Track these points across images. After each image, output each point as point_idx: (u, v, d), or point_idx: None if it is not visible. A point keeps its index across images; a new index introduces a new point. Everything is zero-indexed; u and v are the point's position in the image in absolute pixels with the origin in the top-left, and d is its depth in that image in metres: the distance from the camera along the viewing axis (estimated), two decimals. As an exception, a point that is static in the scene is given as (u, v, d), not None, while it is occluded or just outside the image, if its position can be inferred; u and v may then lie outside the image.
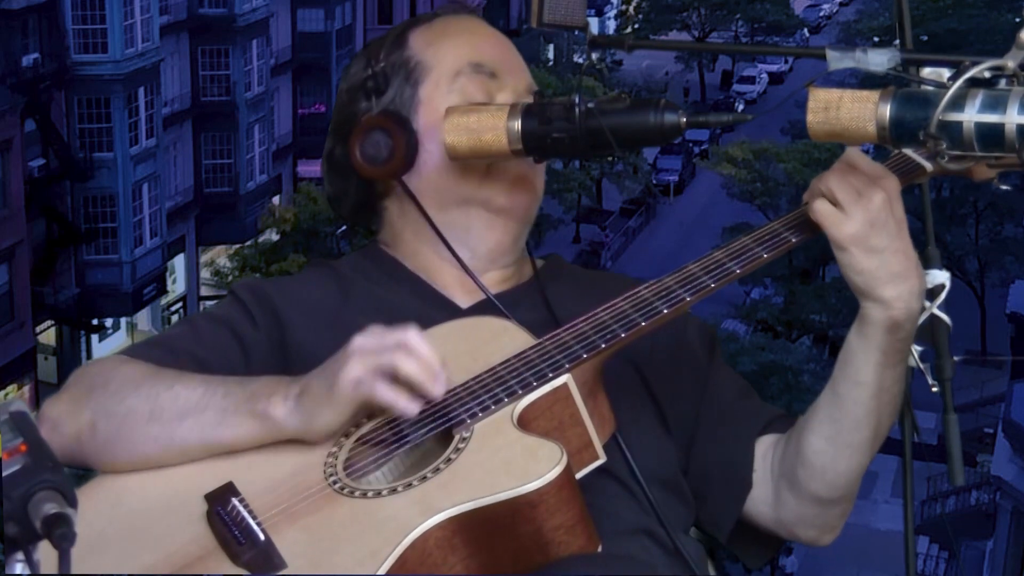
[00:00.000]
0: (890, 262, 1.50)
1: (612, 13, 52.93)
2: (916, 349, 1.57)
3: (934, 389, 1.60)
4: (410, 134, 1.70)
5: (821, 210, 1.51)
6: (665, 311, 1.54)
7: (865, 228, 1.49)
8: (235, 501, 1.44)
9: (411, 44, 1.76)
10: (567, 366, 1.50)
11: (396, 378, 1.44)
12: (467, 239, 1.71)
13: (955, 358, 1.61)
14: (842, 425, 1.60)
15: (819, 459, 1.62)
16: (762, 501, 1.68)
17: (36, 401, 24.55)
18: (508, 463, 1.42)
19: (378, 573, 1.35)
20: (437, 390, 1.45)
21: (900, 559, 1.72)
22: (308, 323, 1.66)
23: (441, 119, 1.68)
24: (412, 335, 1.45)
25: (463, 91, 1.71)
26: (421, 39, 1.76)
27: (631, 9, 51.69)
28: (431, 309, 1.65)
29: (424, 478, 1.42)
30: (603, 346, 1.52)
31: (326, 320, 1.66)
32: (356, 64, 1.79)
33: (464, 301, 1.70)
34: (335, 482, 1.45)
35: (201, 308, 27.50)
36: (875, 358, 1.55)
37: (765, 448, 1.69)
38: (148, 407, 1.51)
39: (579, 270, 1.85)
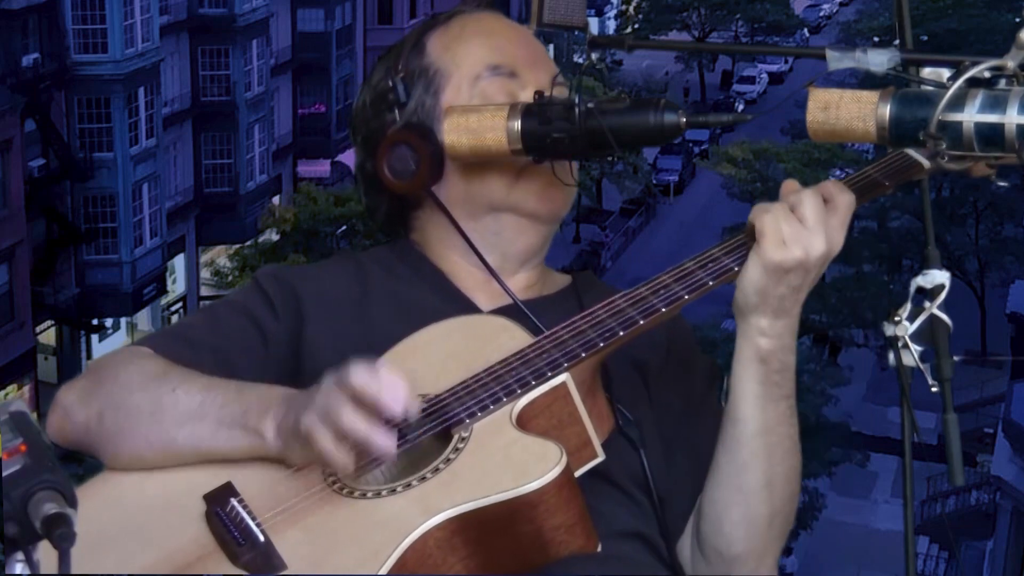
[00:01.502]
0: (786, 300, 1.52)
1: (612, 13, 52.93)
2: (916, 349, 1.57)
3: (934, 389, 1.60)
4: (434, 145, 1.68)
5: (770, 224, 1.51)
6: (663, 309, 1.53)
7: (797, 263, 1.50)
8: (234, 502, 1.44)
9: (429, 50, 1.73)
10: (565, 365, 1.49)
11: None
12: (497, 243, 1.70)
13: (955, 358, 1.61)
14: (730, 468, 1.57)
15: (713, 509, 1.59)
16: (685, 558, 1.64)
17: (36, 401, 24.54)
18: (508, 463, 1.42)
19: (379, 574, 1.34)
20: (380, 444, 1.38)
21: (900, 559, 1.72)
22: (326, 316, 1.66)
23: None
24: (359, 378, 1.37)
25: (484, 95, 1.69)
26: (438, 44, 1.74)
27: (631, 9, 51.68)
28: (450, 307, 1.64)
29: (423, 478, 1.42)
30: (601, 345, 1.51)
31: (344, 313, 1.65)
32: (377, 73, 1.77)
33: (486, 305, 1.68)
34: (334, 482, 1.45)
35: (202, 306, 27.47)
36: (752, 390, 1.55)
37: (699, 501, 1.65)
38: (150, 408, 1.52)
39: (608, 287, 1.81)
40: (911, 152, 1.59)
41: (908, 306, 1.57)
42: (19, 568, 1.10)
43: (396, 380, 1.38)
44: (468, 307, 1.67)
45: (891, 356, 1.58)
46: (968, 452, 22.90)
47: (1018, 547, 21.13)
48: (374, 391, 1.37)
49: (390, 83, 1.72)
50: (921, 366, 1.58)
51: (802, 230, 1.50)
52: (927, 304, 1.57)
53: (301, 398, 1.44)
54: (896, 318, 1.57)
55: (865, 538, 24.30)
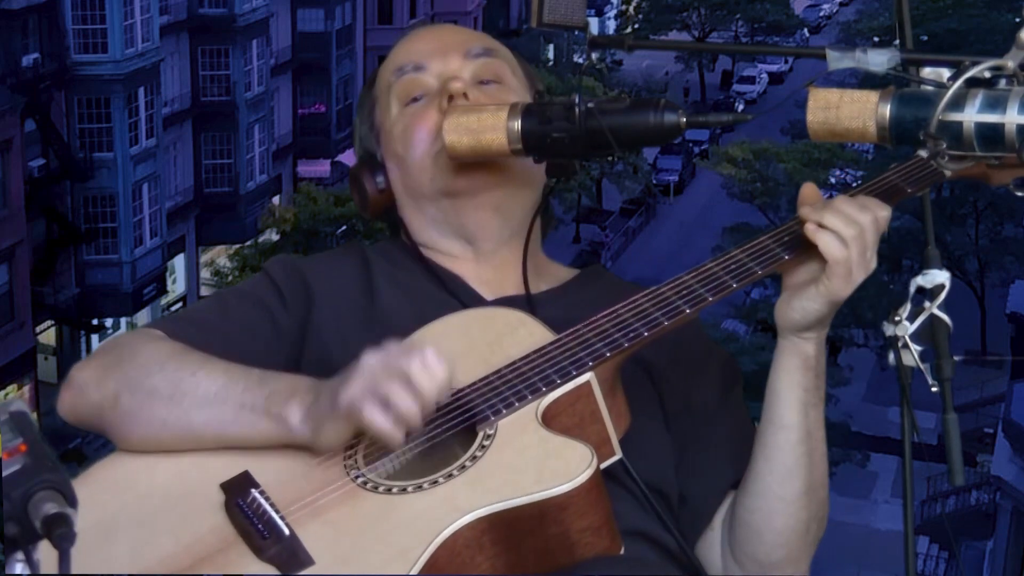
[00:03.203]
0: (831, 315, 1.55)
1: (612, 13, 52.92)
2: (916, 349, 1.57)
3: (934, 389, 1.60)
4: (374, 169, 1.76)
5: (844, 260, 1.50)
6: (687, 310, 1.53)
7: (860, 277, 1.52)
8: (255, 492, 1.42)
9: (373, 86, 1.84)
10: (590, 364, 1.49)
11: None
12: (454, 228, 1.73)
13: (955, 358, 1.61)
14: (772, 478, 1.59)
15: (754, 518, 1.60)
16: (709, 563, 1.66)
17: (36, 401, 24.54)
18: (538, 463, 1.41)
19: (410, 574, 1.33)
20: (418, 426, 1.41)
21: (900, 559, 1.72)
22: (335, 302, 1.67)
23: (390, 137, 1.75)
24: (416, 366, 1.40)
25: (396, 98, 1.76)
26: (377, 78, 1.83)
27: (631, 9, 51.66)
28: (456, 296, 1.67)
29: (450, 476, 1.41)
30: (626, 345, 1.51)
31: (353, 300, 1.67)
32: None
33: (488, 295, 1.71)
34: (358, 476, 1.43)
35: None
36: (798, 397, 1.56)
37: (728, 505, 1.66)
38: (169, 390, 1.51)
39: (618, 280, 1.84)
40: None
41: (908, 306, 1.57)
42: (19, 568, 1.10)
43: (442, 367, 1.41)
44: (473, 297, 1.69)
45: (891, 356, 1.58)
46: (968, 452, 22.90)
47: (1018, 547, 21.12)
48: (423, 378, 1.39)
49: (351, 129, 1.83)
50: (921, 366, 1.58)
51: (864, 264, 1.51)
52: (927, 304, 1.57)
53: (334, 380, 1.44)
54: (896, 318, 1.57)
55: (865, 538, 24.29)
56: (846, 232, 1.49)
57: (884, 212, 1.52)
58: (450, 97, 1.70)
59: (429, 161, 1.70)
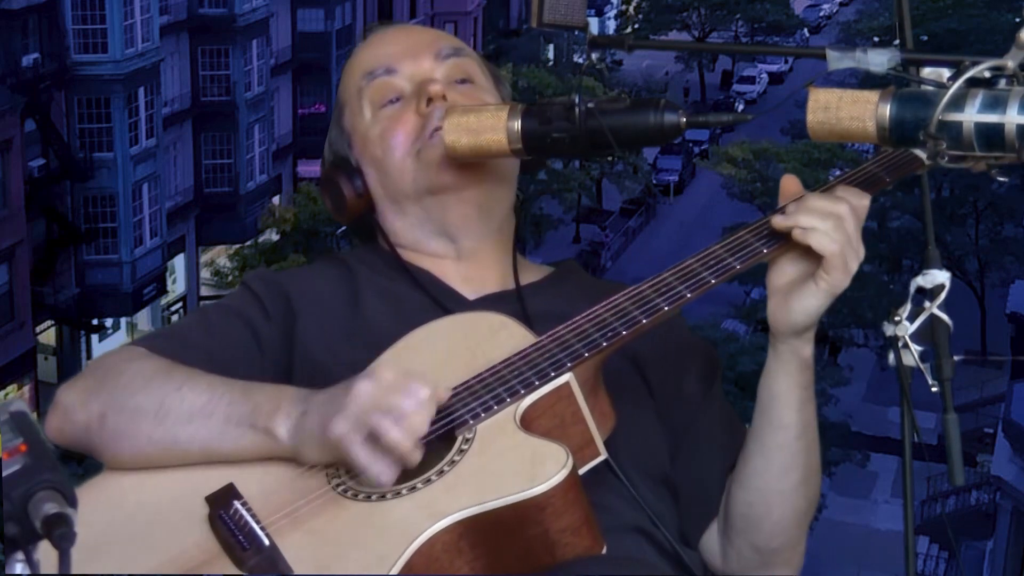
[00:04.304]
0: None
1: (612, 13, 52.92)
2: (916, 349, 1.57)
3: (934, 389, 1.60)
4: (350, 173, 1.76)
5: (839, 255, 1.51)
6: (665, 308, 1.53)
7: (855, 265, 1.53)
8: (237, 504, 1.43)
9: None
10: (569, 365, 1.49)
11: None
12: (434, 227, 1.73)
13: (955, 358, 1.61)
14: (771, 474, 1.61)
15: (753, 511, 1.63)
16: (709, 550, 1.68)
17: (36, 401, 24.54)
18: (514, 466, 1.41)
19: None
20: (413, 461, 1.40)
21: (900, 559, 1.72)
22: (317, 312, 1.67)
23: (365, 140, 1.75)
24: (410, 402, 1.39)
25: (370, 101, 1.76)
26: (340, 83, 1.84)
27: (631, 9, 51.68)
28: (439, 300, 1.67)
29: (428, 481, 1.41)
30: (604, 344, 1.51)
31: (335, 309, 1.67)
32: None
33: (470, 294, 1.71)
34: (338, 484, 1.44)
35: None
36: (797, 396, 1.58)
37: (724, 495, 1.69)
38: (155, 408, 1.51)
39: (590, 278, 1.86)
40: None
41: (908, 306, 1.57)
42: (19, 568, 1.10)
43: (430, 401, 1.40)
44: (454, 298, 1.69)
45: (891, 356, 1.58)
46: (968, 452, 22.90)
47: (1018, 547, 21.13)
48: (420, 423, 1.39)
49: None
50: (921, 366, 1.58)
51: (853, 251, 1.53)
52: (927, 304, 1.56)
53: (322, 399, 1.44)
54: (896, 318, 1.57)
55: (865, 538, 24.30)
56: (823, 225, 1.51)
57: (861, 200, 1.54)
58: (429, 100, 1.71)
59: (410, 161, 1.71)
